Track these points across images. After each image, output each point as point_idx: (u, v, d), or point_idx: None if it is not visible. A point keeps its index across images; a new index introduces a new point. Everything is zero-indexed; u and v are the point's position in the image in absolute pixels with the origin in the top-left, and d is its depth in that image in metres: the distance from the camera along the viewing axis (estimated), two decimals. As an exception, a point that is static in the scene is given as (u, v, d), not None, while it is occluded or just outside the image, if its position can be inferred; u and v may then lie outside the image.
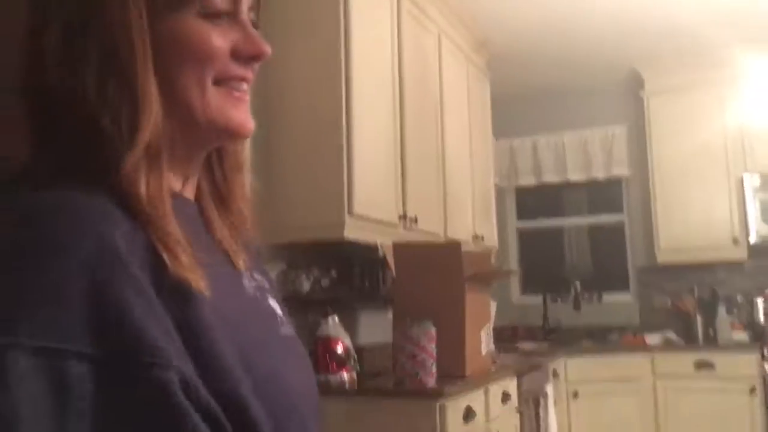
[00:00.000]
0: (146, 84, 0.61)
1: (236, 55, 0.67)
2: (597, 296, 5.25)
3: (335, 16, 2.71)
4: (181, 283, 0.58)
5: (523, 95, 5.31)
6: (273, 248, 2.71)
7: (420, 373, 2.49)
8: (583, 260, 5.59)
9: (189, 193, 0.73)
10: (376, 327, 3.17)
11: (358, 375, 2.72)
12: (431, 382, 2.48)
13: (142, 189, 0.60)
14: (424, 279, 2.81)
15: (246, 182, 0.79)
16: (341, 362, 2.69)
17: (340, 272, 3.00)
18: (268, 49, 0.69)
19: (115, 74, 0.60)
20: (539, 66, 4.89)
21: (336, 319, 2.78)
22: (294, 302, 2.77)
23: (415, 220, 3.18)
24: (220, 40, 0.66)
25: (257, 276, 0.78)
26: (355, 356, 2.79)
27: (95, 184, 0.58)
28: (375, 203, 2.86)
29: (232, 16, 0.67)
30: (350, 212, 2.66)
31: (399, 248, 2.88)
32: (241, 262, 0.75)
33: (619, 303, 5.22)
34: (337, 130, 2.66)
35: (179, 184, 0.71)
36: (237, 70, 0.68)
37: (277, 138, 2.74)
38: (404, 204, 3.14)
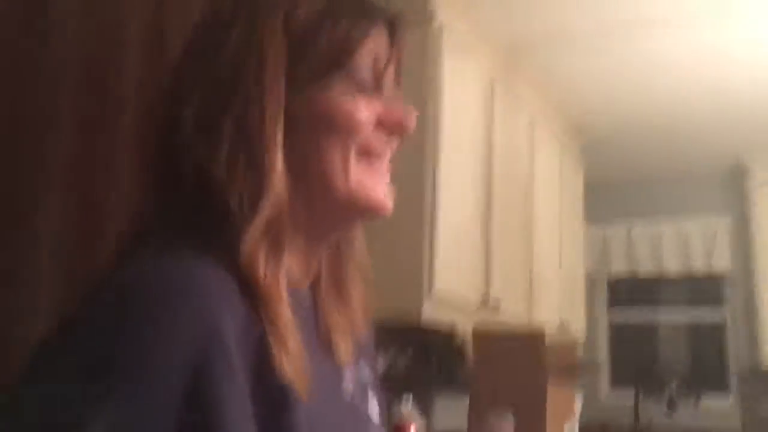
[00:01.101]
0: (273, 161, 0.58)
1: (381, 126, 0.65)
2: (694, 398, 4.89)
3: (425, 96, 2.73)
4: (284, 387, 0.55)
5: (618, 181, 5.16)
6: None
7: (495, 467, 2.36)
8: (678, 357, 5.25)
9: (304, 281, 0.69)
10: (453, 412, 3.04)
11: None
12: (506, 478, 2.34)
13: (261, 271, 0.56)
14: (504, 367, 2.69)
15: (363, 270, 0.76)
16: (414, 448, 2.58)
17: (416, 352, 2.92)
18: (413, 121, 0.67)
19: (245, 151, 0.58)
20: (637, 152, 4.75)
21: (411, 400, 2.70)
22: (368, 381, 2.71)
23: (498, 304, 3.08)
24: (365, 111, 0.64)
25: (361, 366, 0.73)
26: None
27: (217, 259, 0.55)
28: (456, 285, 2.79)
29: (377, 87, 0.66)
30: (429, 293, 2.60)
31: (479, 334, 2.79)
32: (344, 354, 0.70)
33: (719, 408, 4.84)
34: (421, 207, 2.64)
35: (300, 272, 0.67)
36: (379, 142, 0.65)
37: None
38: (488, 286, 3.05)
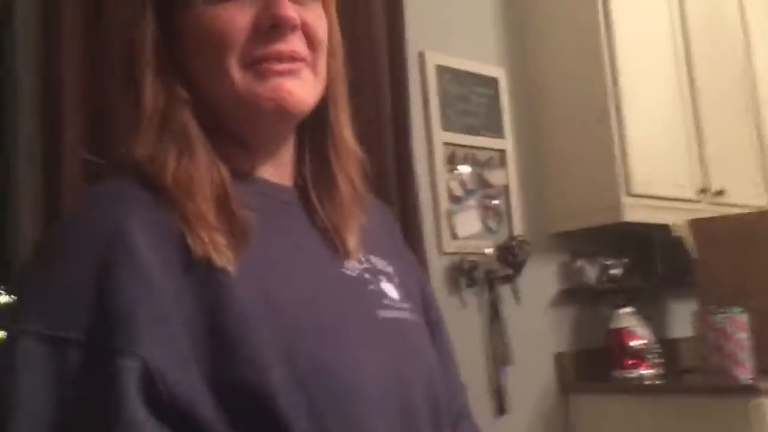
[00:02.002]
0: (143, 80, 0.63)
1: (258, 29, 0.63)
2: None
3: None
4: (206, 261, 0.58)
5: None
6: (550, 239, 2.58)
7: (730, 367, 2.14)
8: None
9: (278, 177, 0.72)
10: (684, 318, 2.81)
11: (662, 372, 2.45)
12: (744, 377, 2.11)
13: (168, 171, 0.61)
14: (733, 257, 2.42)
15: (352, 163, 0.75)
16: (638, 357, 2.44)
17: (633, 259, 2.73)
18: (286, 12, 0.63)
19: (127, 77, 0.66)
20: None
21: (631, 310, 2.54)
22: (580, 294, 2.60)
23: (722, 193, 2.76)
24: (233, 20, 0.63)
25: (375, 260, 0.74)
26: (659, 351, 2.51)
27: (134, 176, 0.62)
28: (662, 179, 2.55)
29: None
30: (629, 192, 2.41)
31: (699, 224, 2.53)
32: (351, 247, 0.71)
33: None
34: (604, 104, 2.44)
35: (254, 167, 0.69)
36: (262, 49, 0.64)
37: (543, 127, 2.61)
38: (705, 176, 2.75)
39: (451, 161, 2.32)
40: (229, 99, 0.64)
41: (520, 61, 2.64)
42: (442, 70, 2.35)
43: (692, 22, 2.82)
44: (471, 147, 2.39)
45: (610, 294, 2.61)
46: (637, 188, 2.42)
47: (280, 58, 0.64)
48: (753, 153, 3.04)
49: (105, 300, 0.53)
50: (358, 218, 0.74)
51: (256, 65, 0.64)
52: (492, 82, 2.51)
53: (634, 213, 2.43)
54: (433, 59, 2.33)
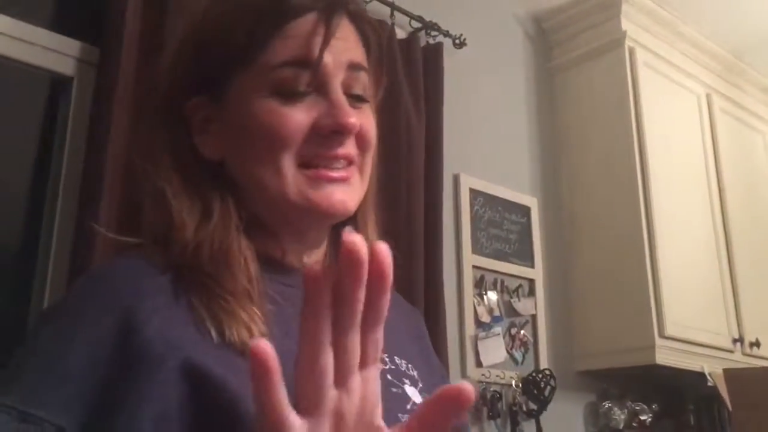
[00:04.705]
0: (179, 203, 0.62)
1: (318, 131, 0.62)
2: None
3: (626, 119, 2.53)
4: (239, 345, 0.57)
5: None
6: (578, 376, 2.47)
7: None
8: None
9: (309, 262, 0.68)
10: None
11: None
12: None
13: (205, 245, 0.60)
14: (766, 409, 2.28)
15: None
16: None
17: (665, 406, 2.59)
18: (349, 120, 0.62)
19: (151, 190, 0.66)
20: None
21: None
22: (608, 439, 2.45)
23: (757, 344, 2.66)
24: (295, 119, 0.62)
25: (399, 361, 0.70)
26: None
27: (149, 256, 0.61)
28: (696, 325, 2.47)
29: (320, 92, 0.63)
30: (661, 334, 2.32)
31: (733, 375, 2.40)
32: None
33: None
34: (638, 243, 2.40)
35: (285, 253, 0.67)
36: (321, 150, 0.62)
37: (575, 260, 2.57)
38: (739, 326, 2.66)
39: (479, 285, 2.27)
40: (277, 196, 0.63)
41: (554, 194, 2.64)
42: (475, 193, 2.35)
43: (726, 170, 2.84)
44: (500, 273, 2.34)
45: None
46: (671, 331, 2.34)
47: (336, 162, 0.63)
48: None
49: (105, 395, 0.50)
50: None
51: (310, 168, 0.63)
52: (524, 211, 2.50)
53: (667, 356, 2.34)
54: (468, 182, 2.34)
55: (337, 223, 0.71)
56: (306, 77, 0.62)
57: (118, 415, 0.49)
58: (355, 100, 0.65)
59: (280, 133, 0.61)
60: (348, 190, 0.64)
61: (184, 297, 0.56)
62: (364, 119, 0.66)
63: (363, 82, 0.66)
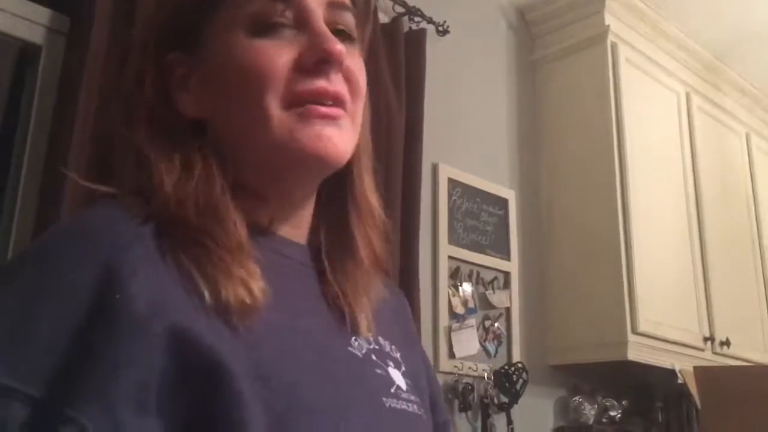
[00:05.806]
0: (158, 162, 0.57)
1: (302, 66, 0.57)
2: None
3: (607, 117, 2.53)
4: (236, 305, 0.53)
5: None
6: (550, 370, 2.46)
7: None
8: None
9: (294, 236, 0.65)
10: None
11: None
12: None
13: (189, 202, 0.55)
14: (739, 411, 2.29)
15: (375, 226, 0.68)
16: None
17: (635, 403, 2.60)
18: (335, 46, 0.57)
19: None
20: None
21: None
22: (577, 433, 2.45)
23: (727, 344, 2.67)
24: (274, 53, 0.57)
25: (383, 342, 0.66)
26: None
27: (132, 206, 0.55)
28: (669, 323, 2.47)
29: (300, 28, 0.58)
30: (634, 330, 2.32)
31: (704, 373, 2.41)
32: (362, 325, 0.64)
33: None
34: (614, 240, 2.40)
35: (272, 222, 0.62)
36: (306, 85, 0.57)
37: (551, 254, 2.56)
38: (710, 325, 2.67)
39: (455, 277, 2.25)
40: (264, 144, 0.57)
41: (532, 187, 2.62)
42: (454, 184, 2.32)
43: (702, 170, 2.85)
44: (476, 264, 2.32)
45: (611, 433, 2.46)
46: (643, 327, 2.34)
47: (325, 97, 0.58)
48: (760, 308, 2.99)
49: (81, 359, 0.45)
50: (375, 289, 0.66)
51: (297, 106, 0.57)
52: (502, 203, 2.48)
53: (638, 352, 2.34)
54: (446, 172, 2.31)
55: (328, 189, 0.67)
56: (281, 7, 0.57)
57: (93, 383, 0.45)
58: (340, 36, 0.60)
59: (260, 69, 0.56)
60: (337, 133, 0.58)
61: (170, 253, 0.51)
62: (351, 60, 0.61)
63: (348, 21, 0.61)
